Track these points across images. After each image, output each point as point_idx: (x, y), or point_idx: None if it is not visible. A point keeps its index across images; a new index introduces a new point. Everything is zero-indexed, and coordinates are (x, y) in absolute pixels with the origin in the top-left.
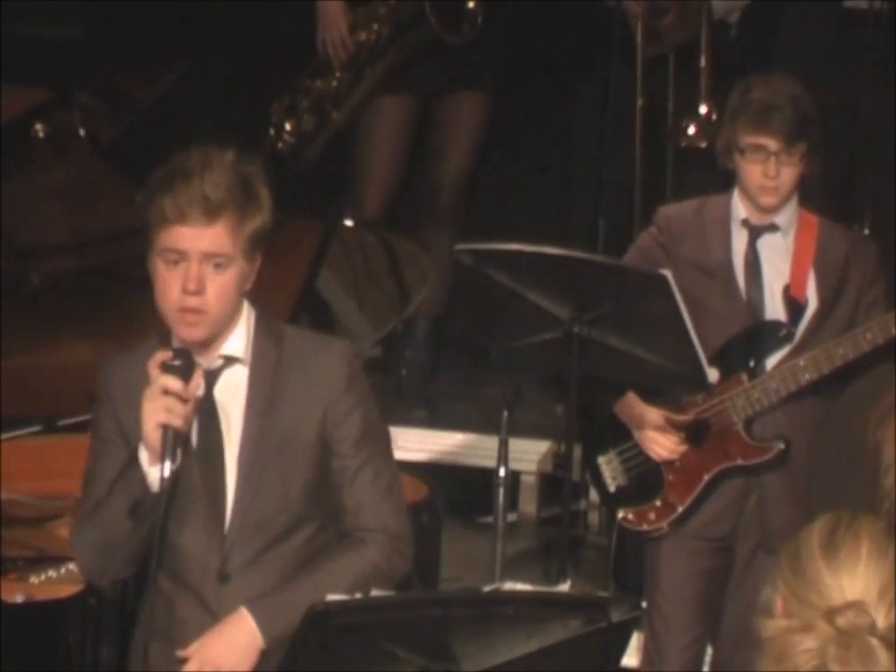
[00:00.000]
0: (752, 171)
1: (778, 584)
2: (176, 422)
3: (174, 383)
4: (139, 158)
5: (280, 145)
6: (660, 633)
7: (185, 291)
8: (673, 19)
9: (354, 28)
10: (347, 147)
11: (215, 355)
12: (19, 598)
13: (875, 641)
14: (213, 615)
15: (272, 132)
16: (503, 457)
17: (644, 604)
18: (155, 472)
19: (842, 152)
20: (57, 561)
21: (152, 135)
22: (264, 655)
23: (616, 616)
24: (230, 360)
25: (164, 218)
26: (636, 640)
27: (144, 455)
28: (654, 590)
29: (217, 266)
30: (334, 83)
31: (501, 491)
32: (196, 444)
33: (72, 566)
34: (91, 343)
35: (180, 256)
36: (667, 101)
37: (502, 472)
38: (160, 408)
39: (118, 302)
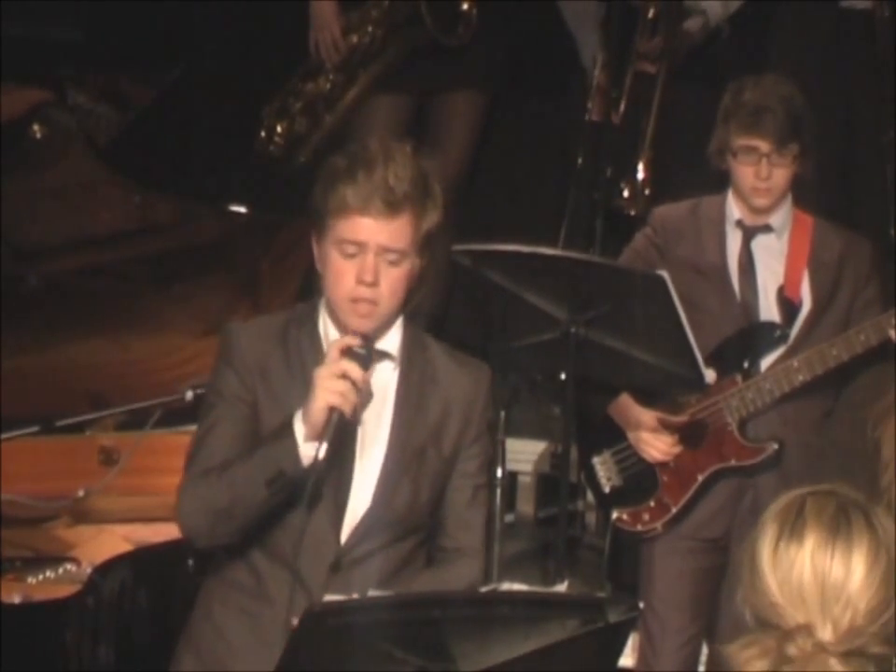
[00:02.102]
0: (744, 172)
1: (744, 597)
2: (347, 408)
3: (356, 371)
4: (137, 158)
5: (271, 147)
6: (655, 633)
7: (360, 282)
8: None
9: (347, 30)
10: (343, 146)
11: (373, 345)
12: (16, 599)
13: (832, 661)
14: (310, 599)
15: (263, 134)
16: (500, 458)
17: (641, 604)
18: (309, 448)
19: (837, 152)
20: (55, 561)
21: (149, 136)
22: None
23: (613, 617)
24: (381, 355)
25: (345, 208)
26: (631, 640)
27: (300, 429)
28: (649, 590)
29: (392, 261)
30: (327, 85)
31: (498, 491)
32: (333, 429)
33: (70, 566)
34: (91, 344)
35: (358, 247)
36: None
37: (499, 473)
38: (335, 390)
39: (116, 302)
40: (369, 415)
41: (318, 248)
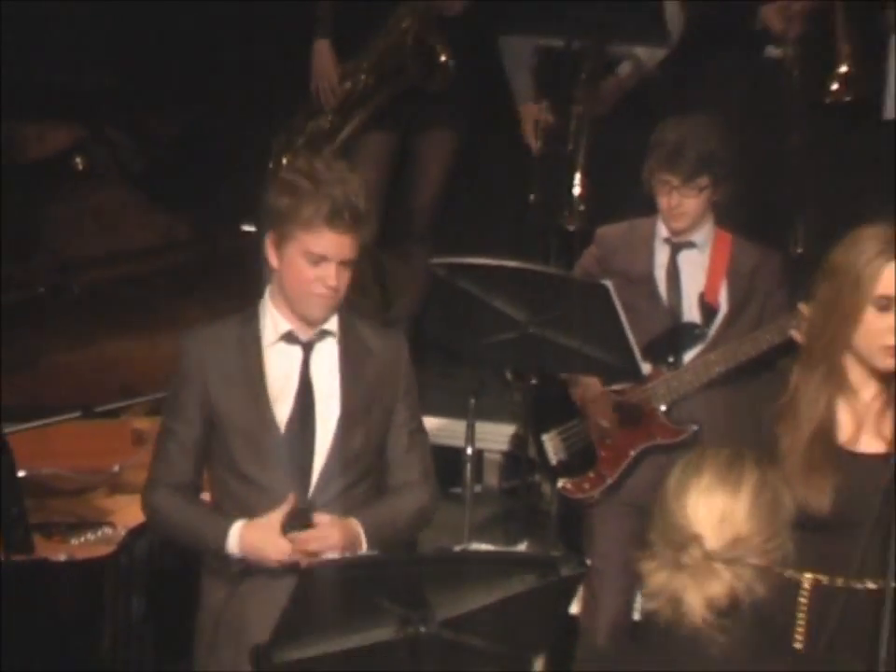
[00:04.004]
0: (662, 200)
1: (652, 526)
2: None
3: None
4: (163, 185)
5: (275, 174)
6: (596, 585)
7: (325, 286)
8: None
9: (342, 78)
10: None
11: (313, 330)
12: (62, 557)
13: (717, 565)
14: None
15: (271, 164)
16: (470, 438)
17: (589, 562)
18: (233, 545)
19: (761, 181)
20: (94, 525)
21: (173, 166)
22: None
23: (565, 572)
24: (324, 333)
25: (312, 224)
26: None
27: (233, 543)
28: (591, 548)
29: (347, 266)
30: (326, 124)
31: (468, 466)
32: (294, 400)
33: (107, 529)
34: (124, 342)
35: (322, 259)
36: None
37: (469, 451)
38: (275, 559)
39: (144, 307)
40: (320, 385)
41: (277, 251)
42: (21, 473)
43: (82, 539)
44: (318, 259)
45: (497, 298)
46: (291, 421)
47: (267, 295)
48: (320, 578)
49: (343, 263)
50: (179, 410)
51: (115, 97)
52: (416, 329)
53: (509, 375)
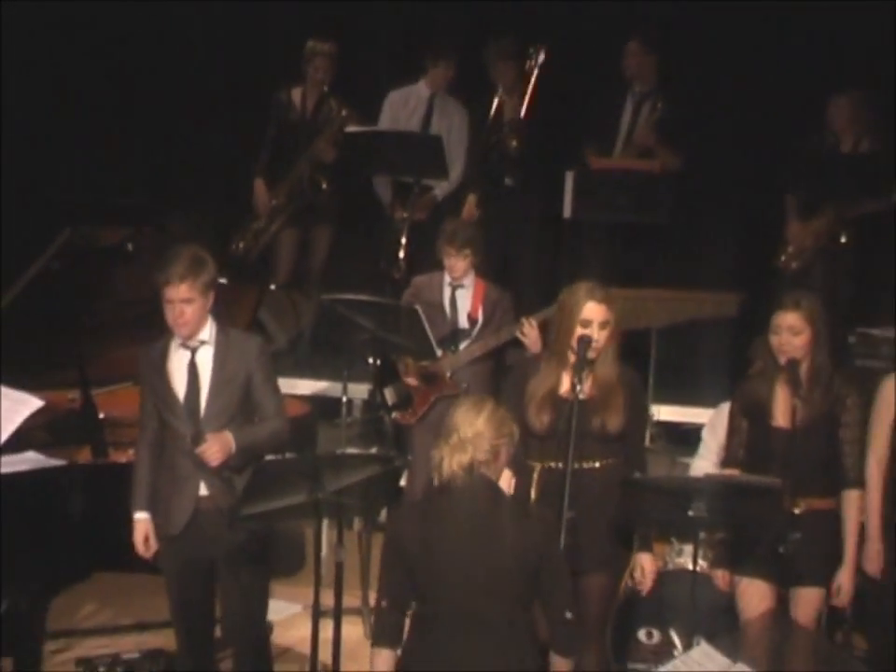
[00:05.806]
0: (445, 262)
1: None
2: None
3: None
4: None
5: (236, 252)
6: (415, 469)
7: (173, 317)
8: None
9: (270, 199)
10: (270, 252)
11: (196, 339)
12: (123, 460)
13: (467, 446)
14: (192, 459)
15: (232, 246)
16: (345, 391)
17: (409, 457)
18: None
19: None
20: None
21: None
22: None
23: (397, 464)
24: (203, 342)
25: (162, 282)
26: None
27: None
28: (411, 450)
29: (188, 303)
30: (262, 225)
31: (344, 408)
32: (187, 382)
33: None
34: (133, 348)
35: (171, 300)
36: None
37: (344, 399)
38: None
39: (146, 331)
40: (202, 370)
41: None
42: (101, 415)
43: (131, 451)
44: (168, 302)
45: (359, 316)
46: (187, 391)
47: None
48: (264, 468)
49: (182, 301)
50: (143, 394)
51: (148, 210)
52: (314, 335)
53: (368, 358)
